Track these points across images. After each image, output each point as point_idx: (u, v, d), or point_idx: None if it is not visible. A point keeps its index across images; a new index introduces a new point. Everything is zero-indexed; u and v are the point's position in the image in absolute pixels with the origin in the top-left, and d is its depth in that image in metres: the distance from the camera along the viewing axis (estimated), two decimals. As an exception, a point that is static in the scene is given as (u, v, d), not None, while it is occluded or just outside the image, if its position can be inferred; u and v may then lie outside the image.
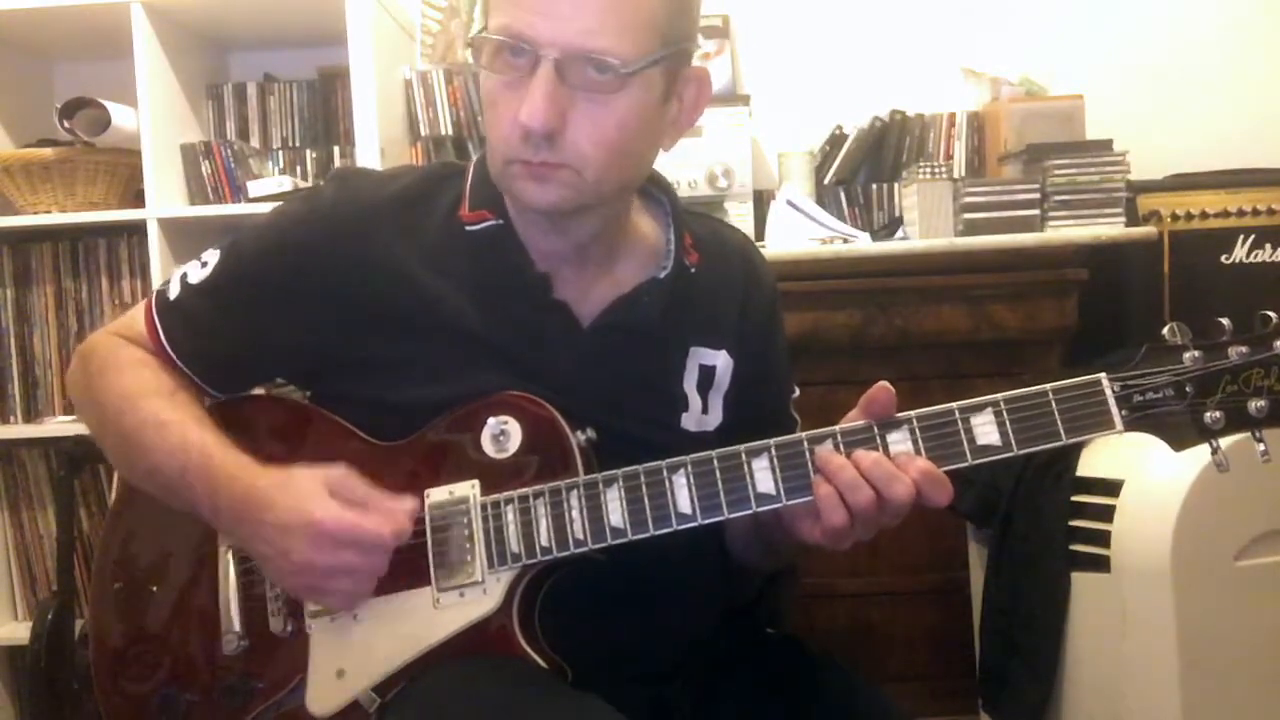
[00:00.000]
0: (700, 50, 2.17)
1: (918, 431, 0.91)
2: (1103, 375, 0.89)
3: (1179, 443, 0.89)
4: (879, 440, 0.91)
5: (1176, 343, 0.89)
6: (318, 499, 0.94)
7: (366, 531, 0.93)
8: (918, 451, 0.91)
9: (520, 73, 0.93)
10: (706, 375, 1.10)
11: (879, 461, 0.89)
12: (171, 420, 1.02)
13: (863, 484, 0.89)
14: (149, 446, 1.02)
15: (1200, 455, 0.93)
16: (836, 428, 0.93)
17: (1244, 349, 0.87)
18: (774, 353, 1.18)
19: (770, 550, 1.11)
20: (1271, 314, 0.88)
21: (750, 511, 0.93)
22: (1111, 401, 0.88)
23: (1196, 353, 0.88)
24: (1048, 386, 0.89)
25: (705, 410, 1.10)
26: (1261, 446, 0.89)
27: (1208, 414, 0.88)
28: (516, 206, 1.04)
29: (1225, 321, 0.88)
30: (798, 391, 1.21)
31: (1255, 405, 0.87)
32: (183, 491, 1.01)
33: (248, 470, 0.98)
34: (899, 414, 0.92)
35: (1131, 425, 0.88)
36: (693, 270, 1.11)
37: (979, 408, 0.91)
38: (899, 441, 0.91)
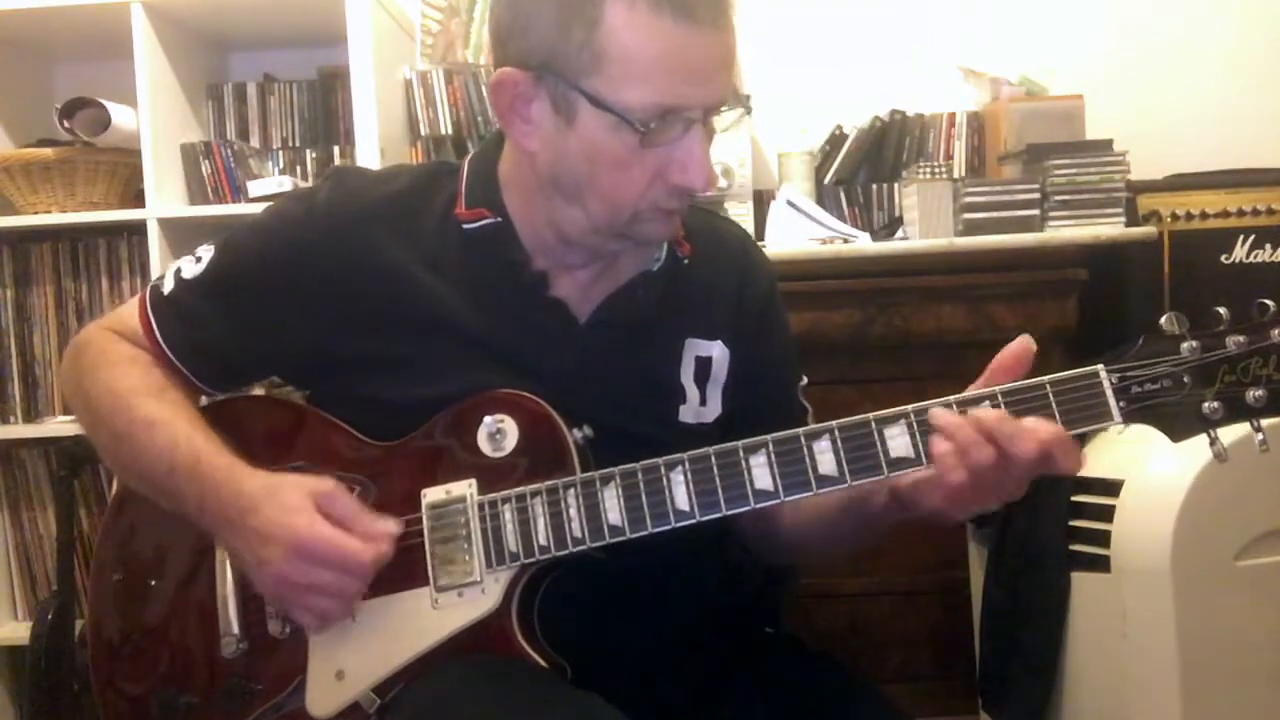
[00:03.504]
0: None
1: (915, 425, 0.90)
2: (1100, 366, 0.88)
3: (1177, 434, 0.89)
4: (876, 434, 0.91)
5: (1174, 333, 0.88)
6: (302, 513, 0.94)
7: (346, 553, 0.93)
8: (915, 448, 0.90)
9: (669, 138, 0.94)
10: (703, 367, 1.10)
11: (1003, 418, 0.87)
12: (161, 419, 1.02)
13: (981, 440, 0.86)
14: (139, 447, 1.02)
15: (1200, 455, 0.92)
16: (834, 423, 0.92)
17: (1242, 338, 0.87)
18: (774, 343, 1.17)
19: (865, 522, 1.04)
20: (1269, 303, 0.87)
21: (748, 508, 0.93)
22: (1109, 393, 0.88)
23: (1194, 343, 0.87)
24: (1045, 379, 0.89)
25: (703, 402, 1.10)
26: (1260, 436, 0.89)
27: (1206, 404, 0.87)
28: (615, 246, 1.03)
29: (1223, 311, 0.88)
30: (806, 380, 1.19)
31: (1253, 395, 0.86)
32: (171, 493, 1.01)
33: (236, 472, 0.98)
34: (894, 409, 0.91)
35: (1130, 416, 0.88)
36: (685, 261, 1.11)
37: (977, 400, 0.90)
38: (896, 435, 0.90)
